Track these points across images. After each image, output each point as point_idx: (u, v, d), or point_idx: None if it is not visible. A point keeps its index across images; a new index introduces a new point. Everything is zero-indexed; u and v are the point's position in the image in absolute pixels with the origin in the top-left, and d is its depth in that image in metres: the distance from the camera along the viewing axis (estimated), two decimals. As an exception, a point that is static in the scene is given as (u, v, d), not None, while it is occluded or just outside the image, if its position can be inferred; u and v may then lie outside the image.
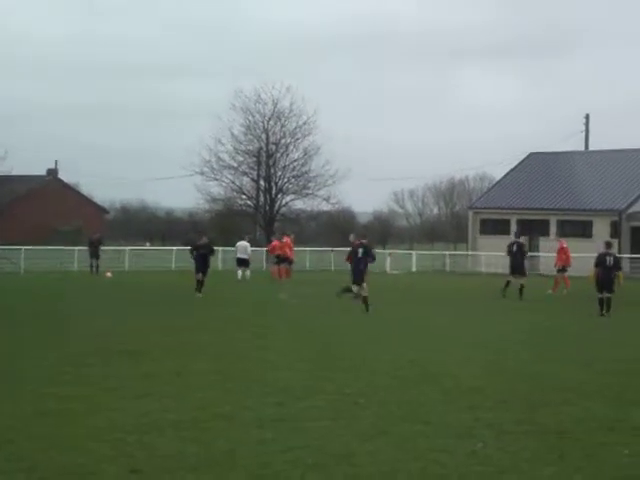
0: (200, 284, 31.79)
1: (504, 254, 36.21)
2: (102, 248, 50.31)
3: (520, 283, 33.46)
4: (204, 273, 32.22)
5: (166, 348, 17.41)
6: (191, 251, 33.27)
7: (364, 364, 15.62)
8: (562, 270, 37.60)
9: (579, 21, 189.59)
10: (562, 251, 37.91)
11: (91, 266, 48.17)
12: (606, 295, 27.05)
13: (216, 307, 27.68)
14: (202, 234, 34.68)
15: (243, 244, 42.42)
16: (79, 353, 16.55)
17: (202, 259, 32.56)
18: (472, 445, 9.66)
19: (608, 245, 28.06)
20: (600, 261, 27.53)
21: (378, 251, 64.91)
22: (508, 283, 33.67)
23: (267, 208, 75.36)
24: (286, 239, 44.09)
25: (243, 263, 41.64)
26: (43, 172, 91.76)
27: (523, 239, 36.80)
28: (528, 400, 12.34)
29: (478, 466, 8.85)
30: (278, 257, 43.52)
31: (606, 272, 27.39)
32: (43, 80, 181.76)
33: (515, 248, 34.36)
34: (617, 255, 29.13)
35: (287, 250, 43.24)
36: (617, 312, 27.09)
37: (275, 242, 44.94)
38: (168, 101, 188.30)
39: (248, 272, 41.24)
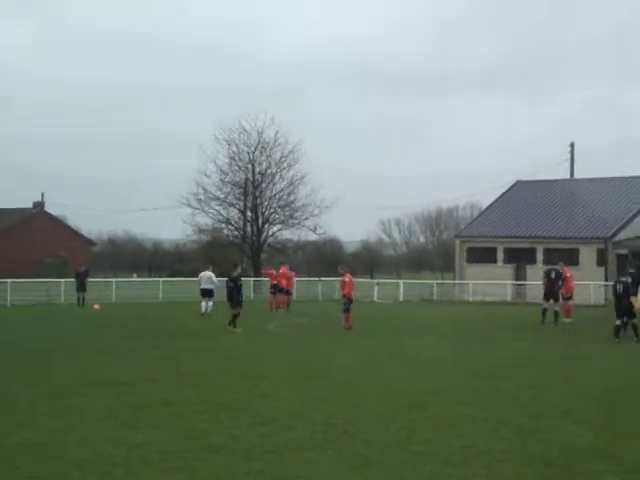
0: (236, 317, 30.55)
1: (541, 282, 36.49)
2: (89, 280, 50.16)
3: (555, 310, 34.49)
4: (241, 305, 31.17)
5: (155, 379, 17.34)
6: (229, 283, 31.75)
7: (354, 393, 15.58)
8: (567, 297, 37.51)
9: (563, 53, 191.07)
10: (566, 279, 37.81)
11: (78, 299, 48.00)
12: (630, 321, 27.79)
13: (204, 338, 27.60)
14: (237, 265, 34.14)
15: (207, 274, 40.16)
16: (67, 384, 16.48)
17: (238, 291, 31.51)
18: (462, 474, 9.62)
19: (621, 273, 29.09)
20: (613, 289, 28.92)
21: (365, 281, 65.05)
22: (545, 311, 34.25)
23: (254, 238, 75.35)
24: (282, 269, 44.26)
25: (207, 294, 39.47)
26: (29, 205, 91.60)
27: (560, 265, 37.52)
28: (517, 428, 12.31)
29: (468, 494, 8.82)
30: (274, 287, 43.70)
31: (617, 299, 28.26)
32: (28, 113, 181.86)
33: (554, 275, 35.06)
34: (628, 281, 29.50)
35: (283, 280, 43.42)
36: (606, 340, 27.14)
37: (272, 271, 45.07)
38: (154, 132, 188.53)
39: (210, 303, 39.03)
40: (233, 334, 28.80)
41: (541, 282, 36.36)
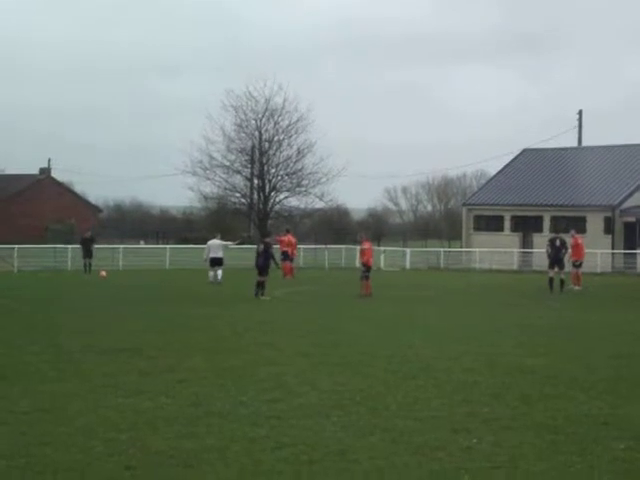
0: (264, 286, 30.34)
1: (545, 250, 36.88)
2: (95, 246, 50.18)
3: (560, 277, 34.62)
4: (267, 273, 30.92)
5: (161, 346, 17.38)
6: (268, 248, 31.41)
7: (361, 360, 15.60)
8: (577, 265, 37.53)
9: (570, 19, 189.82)
10: (577, 246, 37.85)
11: (84, 265, 48.03)
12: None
13: (210, 305, 27.65)
14: (270, 233, 34.03)
15: (216, 242, 39.38)
16: (73, 351, 16.53)
17: (268, 258, 31.23)
18: (467, 440, 9.64)
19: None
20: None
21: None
22: (552, 280, 34.35)
23: (261, 206, 75.27)
24: (288, 236, 44.38)
25: (217, 262, 38.62)
26: (36, 171, 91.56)
27: (572, 233, 38.48)
28: (523, 394, 12.33)
29: (473, 462, 8.82)
30: (284, 254, 43.79)
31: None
32: (35, 81, 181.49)
33: (558, 243, 35.37)
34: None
35: (289, 248, 43.67)
36: (613, 308, 27.16)
37: (284, 238, 45.05)
38: (162, 99, 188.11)
39: (220, 272, 38.26)
40: (247, 301, 28.83)
41: (546, 249, 36.31)
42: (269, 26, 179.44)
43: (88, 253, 48.34)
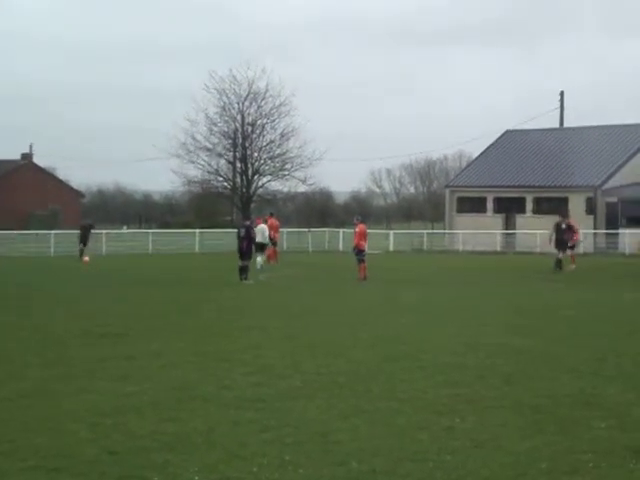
0: (247, 270, 29.95)
1: (550, 232, 37.97)
2: (93, 232, 50.37)
3: (559, 257, 35.94)
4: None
5: (146, 330, 17.38)
6: (251, 232, 30.78)
7: (344, 343, 15.65)
8: (573, 246, 38.16)
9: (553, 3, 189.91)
10: (575, 229, 38.73)
11: (80, 250, 48.15)
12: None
13: (195, 290, 27.63)
14: (250, 216, 33.67)
15: (261, 227, 36.76)
16: (59, 335, 16.52)
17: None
18: (450, 421, 9.70)
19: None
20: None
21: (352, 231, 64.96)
22: (559, 261, 35.76)
23: (244, 190, 75.12)
24: (270, 220, 44.16)
25: (261, 248, 35.84)
26: (17, 157, 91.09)
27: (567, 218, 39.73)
28: (506, 375, 12.40)
29: (455, 441, 8.89)
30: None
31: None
32: (17, 61, 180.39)
33: (564, 226, 36.52)
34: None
35: (271, 232, 43.47)
36: (597, 289, 27.29)
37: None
38: (147, 82, 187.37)
39: (259, 259, 35.37)
40: (232, 285, 28.83)
41: (549, 233, 37.62)
42: (255, 8, 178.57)
43: (83, 239, 48.48)
